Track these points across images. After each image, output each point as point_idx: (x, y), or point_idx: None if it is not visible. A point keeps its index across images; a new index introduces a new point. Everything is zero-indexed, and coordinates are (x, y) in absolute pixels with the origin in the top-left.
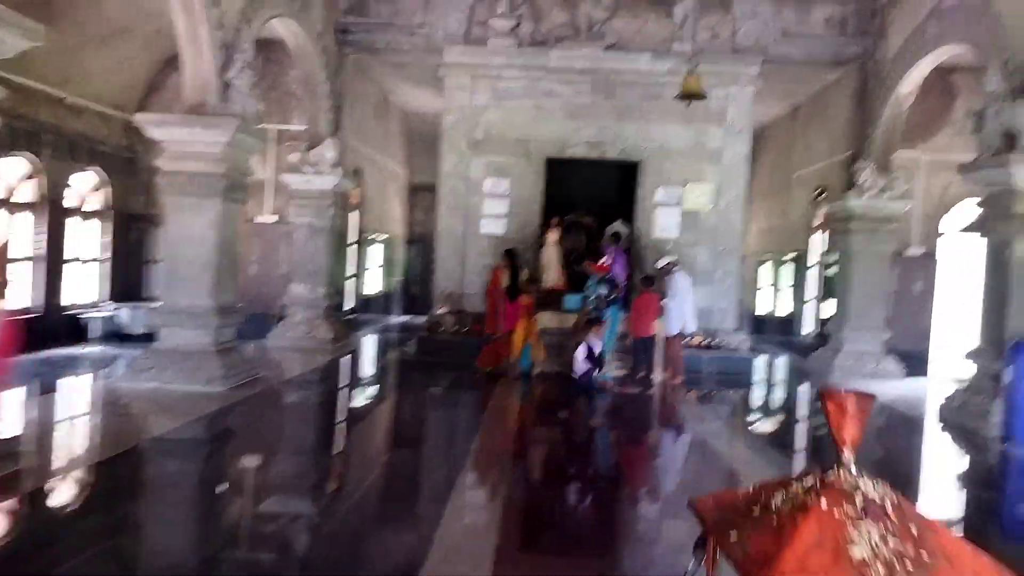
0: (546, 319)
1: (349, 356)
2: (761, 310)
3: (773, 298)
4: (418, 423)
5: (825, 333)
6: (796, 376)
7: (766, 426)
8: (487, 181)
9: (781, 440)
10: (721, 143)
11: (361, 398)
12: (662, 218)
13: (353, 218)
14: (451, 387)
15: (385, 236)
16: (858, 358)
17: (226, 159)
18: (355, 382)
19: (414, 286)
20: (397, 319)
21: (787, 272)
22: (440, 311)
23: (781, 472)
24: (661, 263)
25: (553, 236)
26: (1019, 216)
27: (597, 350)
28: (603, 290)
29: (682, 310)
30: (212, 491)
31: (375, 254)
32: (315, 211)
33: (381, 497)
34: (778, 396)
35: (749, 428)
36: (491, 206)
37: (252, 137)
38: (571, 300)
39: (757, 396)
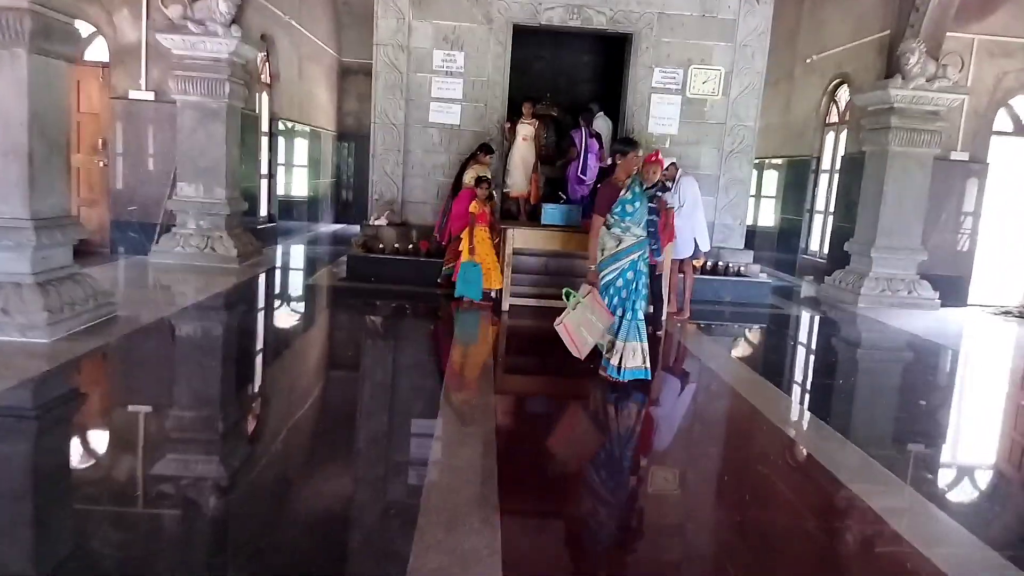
0: (520, 238)
1: (260, 278)
2: (756, 222)
3: (775, 209)
4: (343, 384)
5: (845, 252)
6: (814, 306)
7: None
8: (436, 54)
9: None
10: (735, 14)
11: (270, 341)
12: (659, 108)
13: (264, 101)
14: (390, 322)
15: (308, 128)
16: (888, 283)
17: None
18: (262, 317)
19: (347, 190)
20: (326, 228)
21: (792, 177)
22: (376, 222)
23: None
24: (667, 145)
25: (525, 129)
26: None
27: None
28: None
29: (692, 226)
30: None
31: (299, 149)
32: (206, 87)
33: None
34: (816, 340)
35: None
36: (441, 87)
37: None
38: (552, 212)
39: (789, 339)
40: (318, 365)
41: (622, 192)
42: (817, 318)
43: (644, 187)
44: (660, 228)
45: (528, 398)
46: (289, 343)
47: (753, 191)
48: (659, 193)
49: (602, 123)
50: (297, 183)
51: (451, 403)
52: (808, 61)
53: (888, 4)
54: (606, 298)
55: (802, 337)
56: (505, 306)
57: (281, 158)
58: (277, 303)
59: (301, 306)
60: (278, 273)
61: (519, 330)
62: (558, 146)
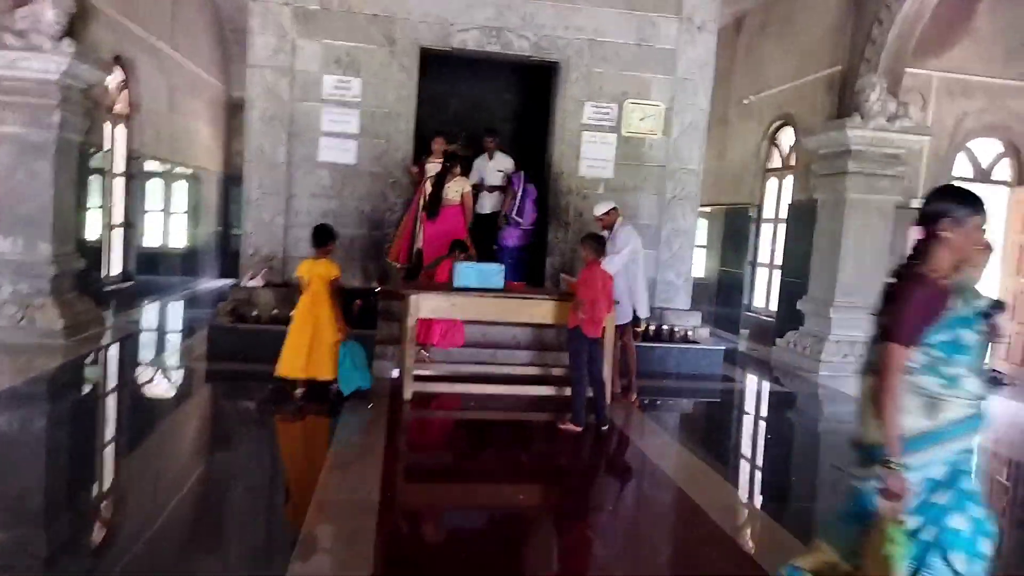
0: (425, 307)
1: (91, 358)
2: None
3: (711, 260)
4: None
5: (797, 311)
6: (769, 375)
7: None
8: (327, 80)
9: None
10: (675, 42)
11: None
12: (592, 148)
13: (120, 135)
14: (242, 432)
15: (185, 169)
16: (851, 347)
17: None
18: (79, 418)
19: (235, 240)
20: (209, 284)
21: (730, 227)
22: (250, 282)
23: None
24: (600, 209)
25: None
26: None
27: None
28: None
29: (631, 285)
30: None
31: (174, 193)
32: (29, 115)
33: None
34: (786, 426)
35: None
36: (334, 119)
37: None
38: (467, 272)
39: (754, 425)
40: (112, 508)
41: (949, 302)
42: (776, 393)
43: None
44: (595, 292)
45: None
46: (81, 482)
47: (705, 242)
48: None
49: (503, 160)
50: (172, 233)
51: None
52: (745, 102)
53: (838, 37)
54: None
55: (770, 421)
56: (408, 394)
57: (155, 204)
58: (90, 402)
59: (125, 407)
60: (115, 352)
61: (429, 432)
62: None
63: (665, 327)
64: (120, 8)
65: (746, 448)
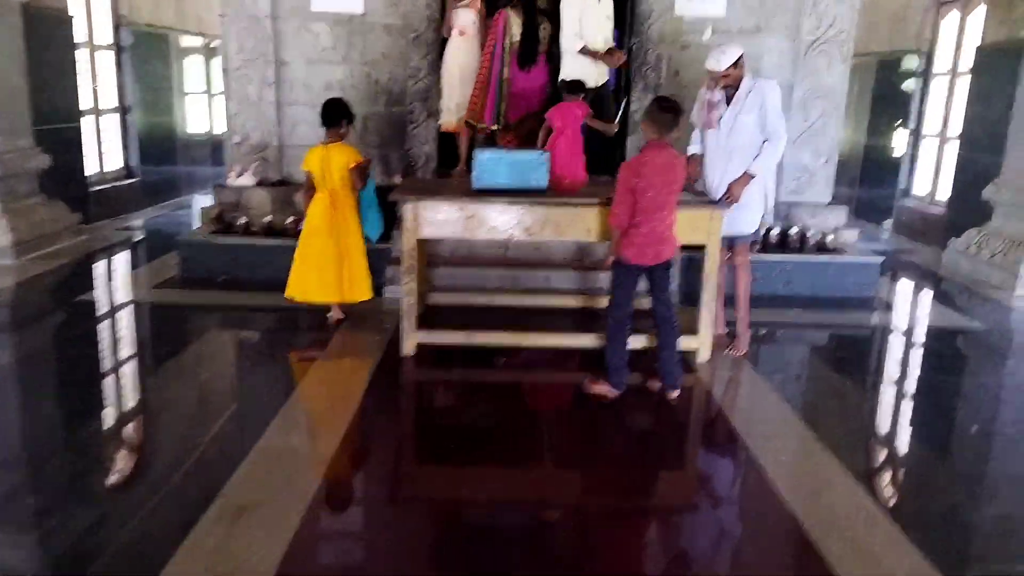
0: (429, 221)
1: (46, 282)
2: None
3: (854, 129)
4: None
5: (982, 201)
6: (942, 298)
7: None
8: None
9: None
10: None
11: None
12: None
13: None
14: (248, 378)
15: (199, 40)
16: None
17: None
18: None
19: None
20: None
21: (884, 83)
22: (238, 180)
23: None
24: (725, 60)
25: (464, 17)
26: None
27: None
28: None
29: (768, 179)
30: None
31: (189, 69)
32: None
33: None
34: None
35: None
36: None
37: None
38: (489, 163)
39: (927, 395)
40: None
41: None
42: (960, 332)
43: None
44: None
45: None
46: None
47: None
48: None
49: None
50: (192, 117)
51: None
52: None
53: None
54: None
55: (965, 390)
56: (408, 347)
57: (157, 81)
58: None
59: (73, 349)
60: (69, 273)
61: (440, 417)
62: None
63: (794, 230)
64: None
65: (931, 446)
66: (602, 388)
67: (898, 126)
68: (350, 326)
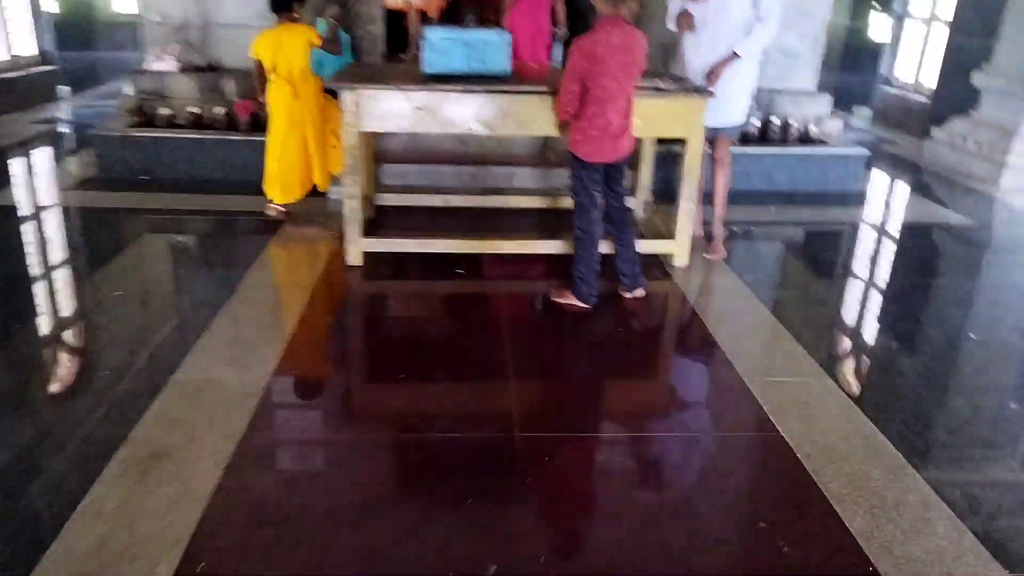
0: (372, 114)
1: None
2: None
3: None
4: None
5: (971, 88)
6: (923, 190)
7: None
8: None
9: None
10: None
11: None
12: None
13: None
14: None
15: None
16: None
17: None
18: None
19: None
20: None
21: None
22: (158, 65)
23: None
24: None
25: None
26: None
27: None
28: None
29: (753, 65)
30: None
31: None
32: None
33: None
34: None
35: None
36: None
37: None
38: (442, 44)
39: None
40: None
41: None
42: (948, 228)
43: None
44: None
45: None
46: None
47: None
48: None
49: None
50: None
51: None
52: None
53: None
54: None
55: (955, 289)
56: (354, 257)
57: None
58: None
59: None
60: None
61: (391, 332)
62: None
63: (775, 120)
64: None
65: (913, 350)
66: (570, 299)
67: (881, 9)
68: (291, 229)
